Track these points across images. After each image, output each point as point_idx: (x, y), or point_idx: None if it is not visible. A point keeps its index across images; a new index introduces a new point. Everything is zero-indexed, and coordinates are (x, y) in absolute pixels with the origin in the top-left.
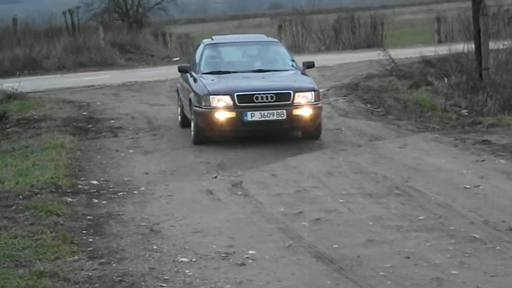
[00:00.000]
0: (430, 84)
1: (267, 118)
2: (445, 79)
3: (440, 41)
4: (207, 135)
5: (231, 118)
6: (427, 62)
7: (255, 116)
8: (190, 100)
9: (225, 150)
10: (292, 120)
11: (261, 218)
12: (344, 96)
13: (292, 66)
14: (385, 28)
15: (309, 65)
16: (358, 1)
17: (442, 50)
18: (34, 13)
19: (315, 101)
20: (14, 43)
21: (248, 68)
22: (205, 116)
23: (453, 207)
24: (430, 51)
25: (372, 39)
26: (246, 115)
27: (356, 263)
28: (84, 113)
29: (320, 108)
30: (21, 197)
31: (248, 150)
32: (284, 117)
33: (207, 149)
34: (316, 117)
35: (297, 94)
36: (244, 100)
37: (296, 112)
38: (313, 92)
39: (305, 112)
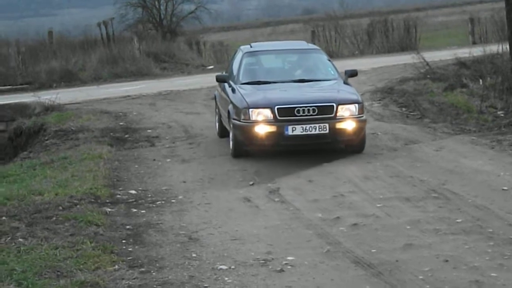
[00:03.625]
0: (465, 86)
1: (309, 132)
2: (480, 80)
3: (474, 43)
4: (246, 149)
5: (271, 133)
6: (461, 64)
7: (296, 130)
8: (228, 112)
9: (261, 157)
10: (335, 134)
11: (299, 224)
12: (379, 100)
13: (334, 75)
14: (418, 31)
15: (352, 74)
16: (391, 4)
17: (477, 51)
18: (70, 26)
19: (358, 114)
20: (50, 55)
21: (289, 77)
22: (245, 130)
23: (491, 209)
24: (464, 52)
25: (406, 42)
26: (287, 129)
27: (395, 267)
28: (121, 123)
29: (364, 121)
30: (60, 208)
31: (283, 157)
32: (327, 131)
33: (243, 156)
34: (360, 130)
35: (340, 107)
36: (285, 114)
37: (339, 125)
38: (357, 105)
39: (348, 125)
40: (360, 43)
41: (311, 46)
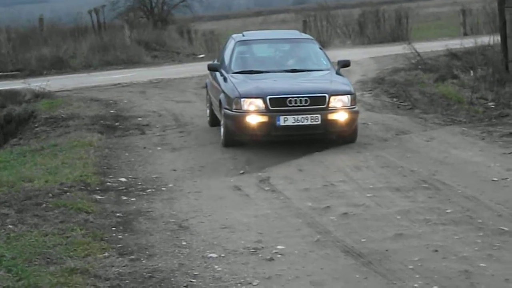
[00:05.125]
0: (456, 77)
1: (300, 123)
2: (471, 72)
3: (465, 34)
4: (237, 138)
5: (263, 123)
6: (452, 55)
7: (288, 120)
8: (220, 101)
9: (252, 146)
10: (327, 125)
11: (289, 213)
12: (370, 90)
13: (327, 65)
14: (410, 22)
15: (345, 64)
16: None
17: (468, 43)
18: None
19: (351, 105)
20: (41, 42)
21: (281, 67)
22: (236, 120)
23: (480, 200)
24: (455, 44)
25: (397, 33)
26: (279, 120)
27: (385, 257)
28: (112, 111)
29: (357, 112)
30: (50, 195)
31: (274, 146)
32: (319, 122)
33: (234, 146)
34: (352, 121)
35: (332, 98)
36: (277, 104)
37: (331, 116)
38: (349, 96)
39: (340, 116)
40: (352, 33)
41: (304, 35)
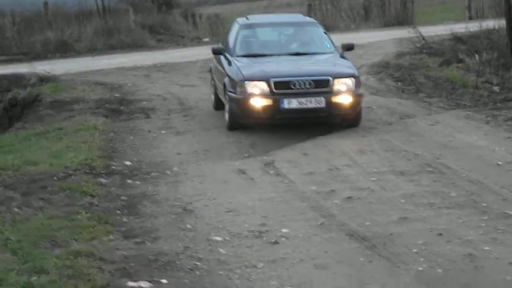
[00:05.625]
0: (461, 61)
1: (305, 106)
2: (476, 56)
3: (470, 18)
4: (242, 122)
5: (267, 106)
6: (457, 39)
7: (292, 103)
8: (224, 84)
9: (256, 129)
10: (331, 108)
11: (293, 197)
12: (375, 74)
13: (330, 48)
14: (415, 5)
15: (349, 47)
16: None
17: (473, 26)
18: None
19: (355, 88)
20: (45, 26)
21: (285, 50)
22: (240, 103)
23: (485, 183)
24: (460, 28)
25: (402, 17)
26: (283, 103)
27: (389, 240)
28: (116, 94)
29: (361, 95)
30: (56, 178)
31: (279, 129)
32: (323, 105)
33: (238, 129)
34: (356, 105)
35: (336, 81)
36: (281, 87)
37: (336, 99)
38: (353, 79)
39: (344, 99)
40: (357, 17)
41: (308, 19)
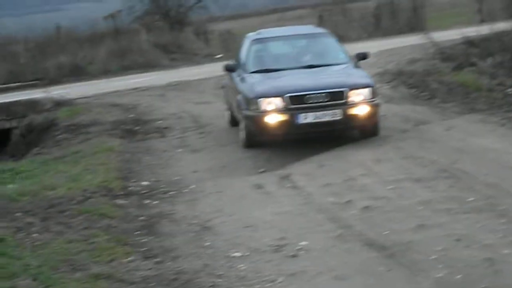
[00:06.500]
0: (474, 65)
1: (321, 120)
2: (489, 59)
3: (482, 21)
4: (258, 139)
5: (283, 122)
6: (469, 42)
7: (308, 118)
8: (238, 102)
9: (271, 144)
10: (348, 120)
11: (310, 209)
12: (389, 82)
13: (344, 58)
14: (425, 11)
15: (363, 57)
16: None
17: (485, 29)
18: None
19: (371, 98)
20: (58, 50)
21: (298, 64)
22: (255, 120)
23: (502, 186)
24: (472, 31)
25: (413, 23)
26: (299, 118)
27: (407, 248)
28: (131, 115)
29: (378, 105)
30: (74, 202)
31: (294, 143)
32: (339, 118)
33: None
34: (374, 115)
35: (352, 92)
36: (296, 102)
37: (352, 111)
38: (369, 89)
39: (361, 110)
40: (368, 26)
41: (319, 30)
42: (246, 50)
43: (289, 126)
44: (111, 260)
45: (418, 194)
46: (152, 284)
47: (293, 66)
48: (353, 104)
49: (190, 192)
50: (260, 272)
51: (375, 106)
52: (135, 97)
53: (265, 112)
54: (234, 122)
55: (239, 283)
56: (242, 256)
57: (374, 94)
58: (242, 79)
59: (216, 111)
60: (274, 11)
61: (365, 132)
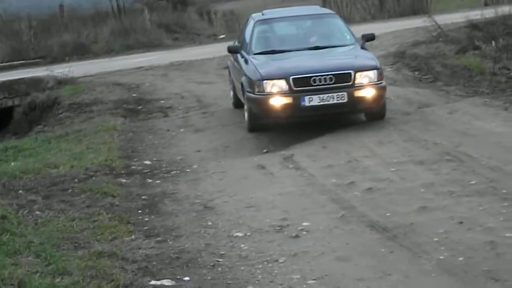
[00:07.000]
0: (478, 48)
1: (326, 102)
2: (493, 42)
3: (486, 4)
4: (262, 122)
5: (287, 104)
6: (473, 26)
7: (313, 100)
8: (242, 84)
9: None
10: (354, 102)
11: (313, 190)
12: (392, 64)
13: (350, 40)
14: None
15: (370, 38)
16: None
17: (489, 13)
18: None
19: (378, 81)
20: (62, 29)
21: (303, 45)
22: (259, 103)
23: (504, 170)
24: (476, 14)
25: (417, 6)
26: (304, 100)
27: (410, 230)
28: (134, 94)
29: (384, 87)
30: (76, 180)
31: (297, 124)
32: (345, 100)
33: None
34: (380, 97)
35: (358, 74)
36: (301, 84)
37: (358, 93)
38: (376, 71)
39: (367, 93)
40: (372, 8)
41: (325, 10)
42: (250, 30)
43: (294, 109)
44: (114, 239)
45: (421, 177)
46: (154, 263)
47: (299, 47)
48: (360, 87)
49: (192, 172)
50: (262, 252)
51: (382, 89)
52: (138, 77)
53: (269, 95)
54: (238, 104)
55: (240, 262)
56: (244, 236)
57: (380, 76)
58: (246, 61)
59: (219, 92)
60: None
61: (372, 115)
